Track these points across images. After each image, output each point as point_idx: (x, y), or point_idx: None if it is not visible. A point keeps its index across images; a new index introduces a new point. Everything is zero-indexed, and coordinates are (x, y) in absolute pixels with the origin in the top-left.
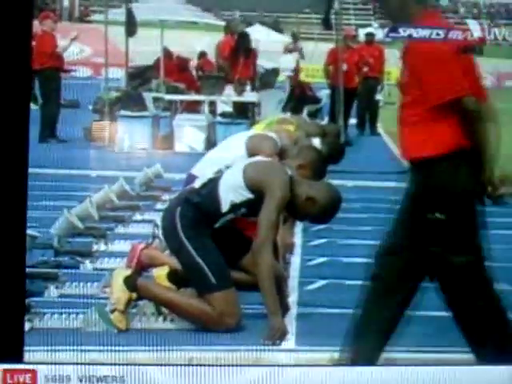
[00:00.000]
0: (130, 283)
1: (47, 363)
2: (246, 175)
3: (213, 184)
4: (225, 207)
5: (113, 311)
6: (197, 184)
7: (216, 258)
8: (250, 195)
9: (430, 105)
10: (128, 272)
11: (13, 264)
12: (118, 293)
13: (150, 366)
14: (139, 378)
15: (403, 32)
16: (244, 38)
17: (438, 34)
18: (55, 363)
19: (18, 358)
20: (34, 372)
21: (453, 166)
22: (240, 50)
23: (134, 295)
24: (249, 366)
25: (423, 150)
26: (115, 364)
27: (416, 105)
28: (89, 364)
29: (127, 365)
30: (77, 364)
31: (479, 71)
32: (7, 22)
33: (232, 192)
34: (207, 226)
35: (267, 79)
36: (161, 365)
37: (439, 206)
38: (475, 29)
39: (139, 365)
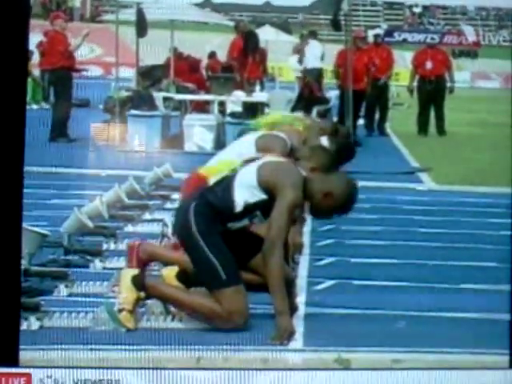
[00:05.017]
0: (138, 282)
1: (42, 367)
2: (259, 175)
3: (227, 182)
4: (238, 207)
5: (121, 311)
6: (211, 181)
7: (227, 255)
8: (263, 195)
9: None
10: (136, 271)
11: (8, 268)
12: (126, 292)
13: (146, 370)
14: (134, 381)
15: (398, 36)
16: (252, 37)
17: (432, 39)
18: (49, 367)
19: (13, 362)
20: (28, 375)
21: None
22: (248, 49)
23: (142, 294)
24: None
25: None
26: (109, 368)
27: None
28: (83, 367)
29: (121, 368)
30: (71, 368)
31: None
32: (3, 24)
33: (246, 191)
34: (220, 224)
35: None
36: (154, 368)
37: None
38: (470, 33)
39: (134, 368)
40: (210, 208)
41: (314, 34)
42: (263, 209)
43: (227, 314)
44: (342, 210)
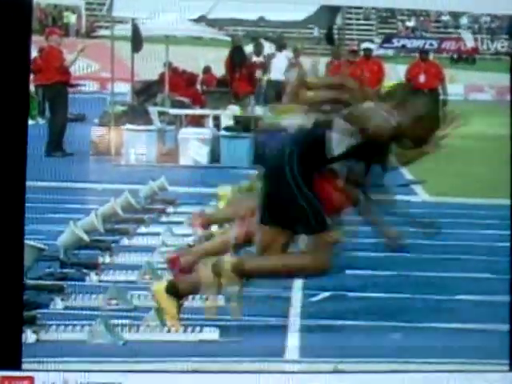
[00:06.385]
0: (174, 291)
1: (44, 370)
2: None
3: (320, 130)
4: (332, 152)
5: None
6: (283, 121)
7: (314, 201)
8: (352, 141)
9: None
10: (164, 283)
11: (11, 276)
12: (167, 307)
13: (148, 373)
14: None
15: (397, 43)
16: (237, 51)
17: (431, 45)
18: (52, 370)
19: (16, 366)
20: (31, 379)
21: None
22: (236, 64)
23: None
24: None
25: None
26: (112, 371)
27: None
28: (86, 371)
29: (124, 371)
30: (74, 371)
31: None
32: (5, 39)
33: (339, 140)
34: (317, 164)
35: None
36: (160, 371)
37: None
38: (468, 39)
39: (137, 372)
40: (307, 150)
41: (281, 47)
42: (356, 154)
43: (315, 261)
44: (436, 124)
